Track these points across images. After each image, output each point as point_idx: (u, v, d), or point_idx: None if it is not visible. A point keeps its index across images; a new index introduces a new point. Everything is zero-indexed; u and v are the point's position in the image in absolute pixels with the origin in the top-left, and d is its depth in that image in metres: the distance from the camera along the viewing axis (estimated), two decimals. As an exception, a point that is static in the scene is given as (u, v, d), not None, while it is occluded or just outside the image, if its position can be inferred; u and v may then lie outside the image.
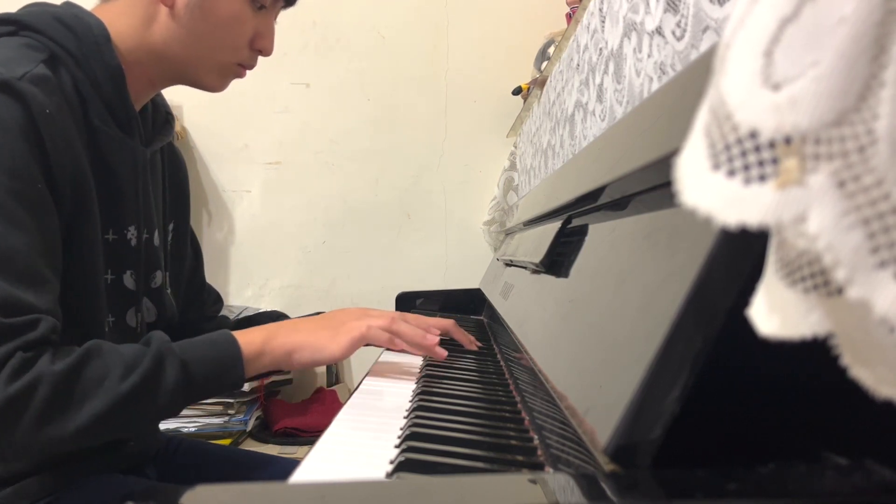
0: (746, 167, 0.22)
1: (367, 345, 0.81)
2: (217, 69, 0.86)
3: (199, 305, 1.08)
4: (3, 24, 0.76)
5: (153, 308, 0.90)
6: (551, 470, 0.49)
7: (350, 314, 0.83)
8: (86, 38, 0.77)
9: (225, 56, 0.85)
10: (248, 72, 0.89)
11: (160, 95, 0.94)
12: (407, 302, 1.48)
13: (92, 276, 0.76)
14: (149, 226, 0.88)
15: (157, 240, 0.90)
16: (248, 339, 0.75)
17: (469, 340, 0.98)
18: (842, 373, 0.23)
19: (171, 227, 0.99)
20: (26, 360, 0.61)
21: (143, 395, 0.66)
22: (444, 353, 0.85)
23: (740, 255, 0.29)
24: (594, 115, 0.98)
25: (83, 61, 0.76)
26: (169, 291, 0.95)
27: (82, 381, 0.64)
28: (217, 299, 1.13)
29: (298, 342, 0.77)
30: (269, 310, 1.17)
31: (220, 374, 0.72)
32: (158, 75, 0.85)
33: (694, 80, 0.40)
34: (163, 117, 0.95)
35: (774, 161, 0.21)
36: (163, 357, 0.68)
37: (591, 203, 0.63)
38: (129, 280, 0.83)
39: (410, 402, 0.71)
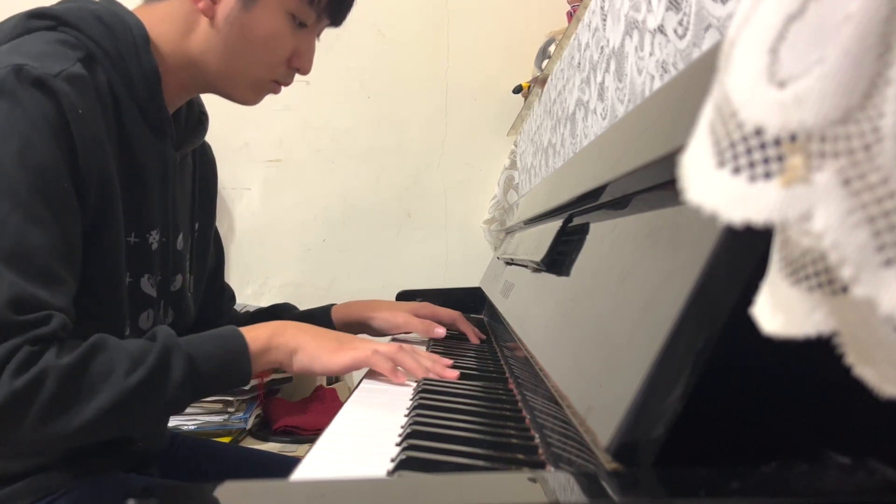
0: (751, 164, 0.22)
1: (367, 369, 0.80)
2: (251, 85, 0.85)
3: (216, 305, 1.10)
4: (43, 18, 0.75)
5: (171, 312, 0.89)
6: (552, 468, 0.49)
7: (357, 337, 0.82)
8: (124, 38, 0.76)
9: (261, 73, 0.84)
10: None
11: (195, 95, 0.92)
12: (407, 300, 1.47)
13: (113, 278, 0.76)
14: (173, 230, 0.87)
15: (180, 243, 0.89)
16: (254, 335, 0.74)
17: (475, 333, 1.05)
18: (845, 371, 0.23)
19: (196, 227, 0.98)
20: (32, 354, 0.60)
21: (149, 389, 0.65)
22: (454, 373, 0.79)
23: (743, 254, 0.29)
24: (595, 113, 0.98)
25: (119, 61, 0.75)
26: (190, 294, 0.94)
27: (88, 375, 0.62)
28: (231, 297, 1.14)
29: (302, 343, 0.77)
30: (280, 302, 1.17)
31: (228, 369, 0.71)
32: (193, 83, 0.85)
33: (696, 78, 0.40)
34: (196, 117, 0.93)
35: (780, 158, 0.21)
36: (169, 351, 0.67)
37: (593, 201, 0.62)
38: (146, 284, 0.82)
39: (411, 400, 0.70)
